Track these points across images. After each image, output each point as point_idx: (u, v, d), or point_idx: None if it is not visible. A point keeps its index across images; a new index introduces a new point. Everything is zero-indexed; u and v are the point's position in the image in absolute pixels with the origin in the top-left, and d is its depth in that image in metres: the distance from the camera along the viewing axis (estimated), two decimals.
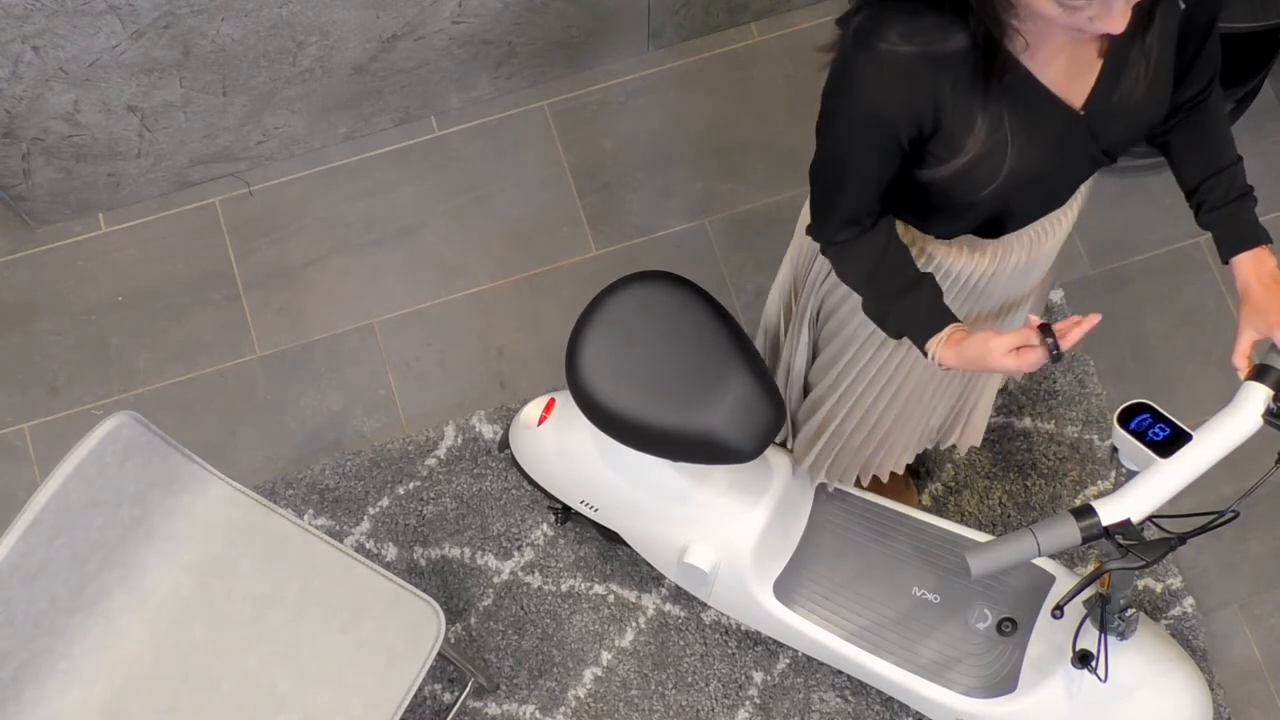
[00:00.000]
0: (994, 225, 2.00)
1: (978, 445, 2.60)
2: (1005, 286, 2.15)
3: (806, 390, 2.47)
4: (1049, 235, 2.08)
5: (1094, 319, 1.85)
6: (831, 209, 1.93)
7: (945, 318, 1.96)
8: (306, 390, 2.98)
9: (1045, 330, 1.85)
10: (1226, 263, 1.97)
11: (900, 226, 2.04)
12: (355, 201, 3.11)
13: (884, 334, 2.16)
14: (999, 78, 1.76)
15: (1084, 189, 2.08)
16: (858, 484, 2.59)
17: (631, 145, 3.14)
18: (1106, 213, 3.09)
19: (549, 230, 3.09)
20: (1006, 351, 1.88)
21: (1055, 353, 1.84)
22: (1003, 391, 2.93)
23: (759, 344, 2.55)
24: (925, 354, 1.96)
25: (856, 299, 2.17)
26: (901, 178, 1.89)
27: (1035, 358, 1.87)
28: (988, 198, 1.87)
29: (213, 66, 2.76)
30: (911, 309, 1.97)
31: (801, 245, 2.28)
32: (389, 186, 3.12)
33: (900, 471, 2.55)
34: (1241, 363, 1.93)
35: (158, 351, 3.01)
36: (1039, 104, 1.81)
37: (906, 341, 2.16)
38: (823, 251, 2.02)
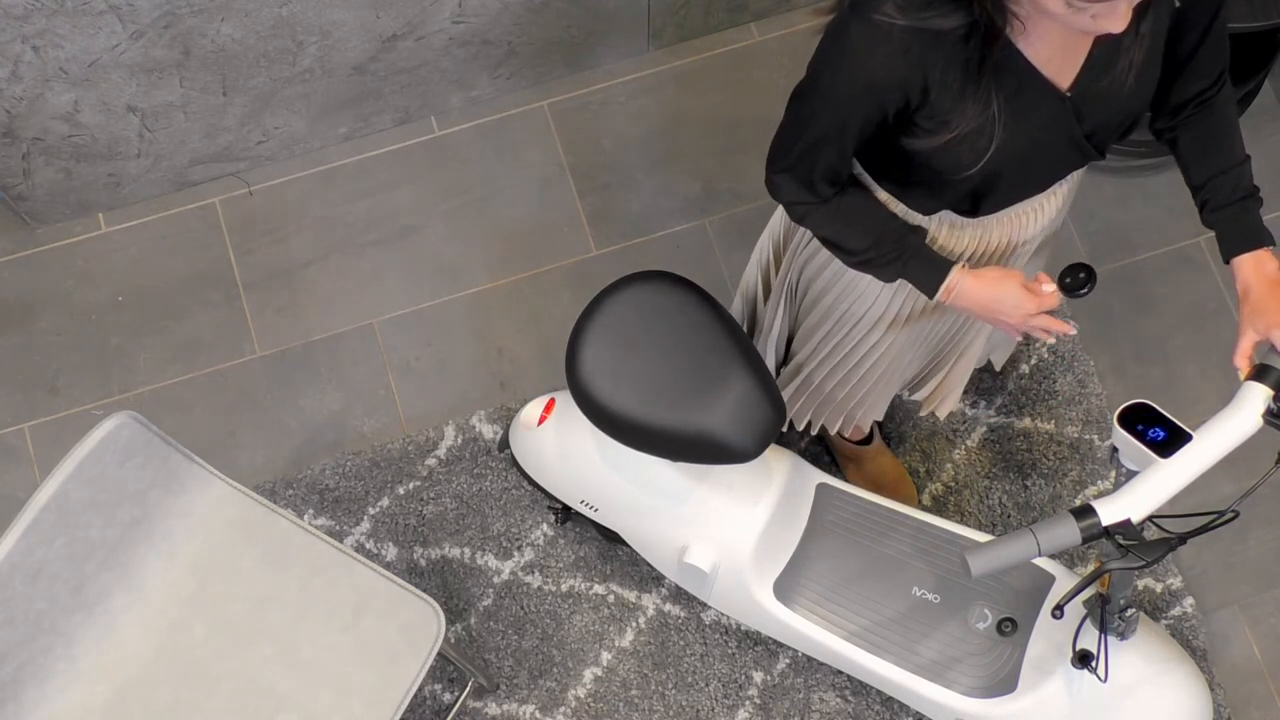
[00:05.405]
0: (973, 203, 2.01)
1: (941, 417, 2.63)
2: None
3: (787, 357, 2.52)
4: (1030, 221, 2.09)
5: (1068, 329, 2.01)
6: (812, 168, 1.94)
7: (945, 260, 2.02)
8: (306, 390, 2.98)
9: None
10: (1228, 262, 1.97)
11: (884, 196, 2.06)
12: (355, 201, 3.11)
13: (866, 300, 2.18)
14: (994, 60, 1.77)
15: (1070, 181, 2.09)
16: (839, 434, 2.63)
17: (631, 145, 3.14)
18: (1106, 213, 3.08)
19: (549, 230, 3.09)
20: (1027, 293, 1.99)
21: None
22: (1002, 391, 2.93)
23: (735, 312, 2.58)
24: (933, 294, 2.00)
25: (837, 267, 2.19)
26: (885, 144, 1.91)
27: (1049, 302, 1.99)
28: (972, 175, 1.89)
29: (213, 66, 2.76)
30: (916, 249, 2.01)
31: (784, 216, 2.29)
32: (389, 186, 3.12)
33: (880, 418, 2.59)
34: (1242, 363, 1.93)
35: (158, 351, 3.01)
36: (1028, 85, 1.83)
37: (889, 312, 2.21)
38: (793, 211, 2.03)
